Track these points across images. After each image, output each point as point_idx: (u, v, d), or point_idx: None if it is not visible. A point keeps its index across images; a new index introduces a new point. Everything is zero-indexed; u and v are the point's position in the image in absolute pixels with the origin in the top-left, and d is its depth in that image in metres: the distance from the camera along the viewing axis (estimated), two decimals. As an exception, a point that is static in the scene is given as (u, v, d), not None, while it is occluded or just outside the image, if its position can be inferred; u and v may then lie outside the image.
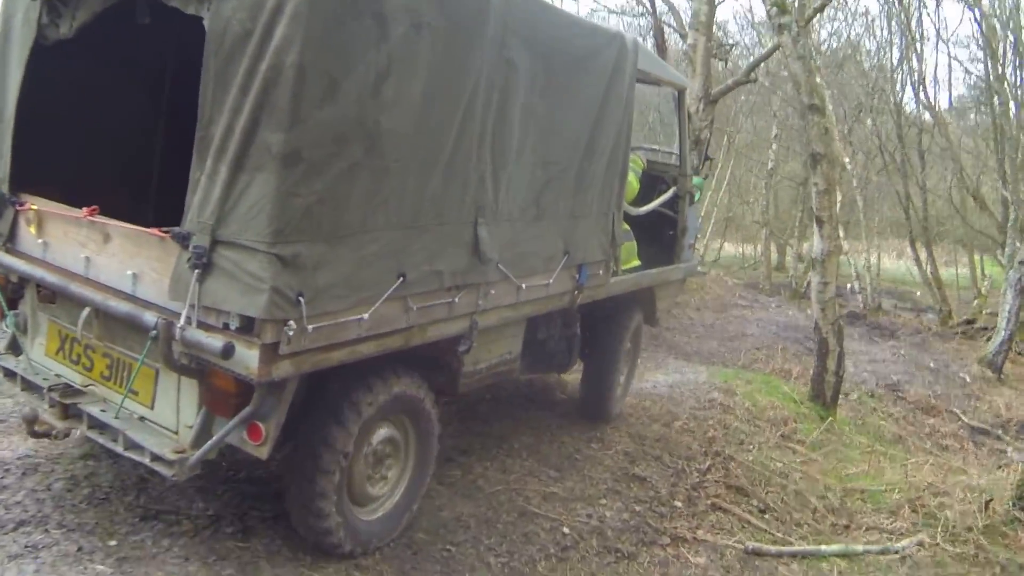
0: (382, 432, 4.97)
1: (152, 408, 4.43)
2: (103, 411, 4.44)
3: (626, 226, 7.10)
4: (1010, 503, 7.04)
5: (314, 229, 3.82)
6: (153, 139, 6.20)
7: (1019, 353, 18.67)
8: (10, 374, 4.96)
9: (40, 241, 4.74)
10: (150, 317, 3.94)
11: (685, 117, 8.25)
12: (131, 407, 4.43)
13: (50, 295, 4.81)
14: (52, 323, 4.95)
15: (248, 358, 3.77)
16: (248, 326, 3.78)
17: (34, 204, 4.73)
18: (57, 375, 4.83)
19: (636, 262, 7.54)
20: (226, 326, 3.82)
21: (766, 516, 7.05)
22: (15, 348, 5.16)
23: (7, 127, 4.77)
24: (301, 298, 3.78)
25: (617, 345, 7.85)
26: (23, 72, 4.69)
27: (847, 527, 7.07)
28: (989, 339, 18.23)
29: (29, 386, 4.81)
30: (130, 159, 5.99)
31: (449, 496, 6.03)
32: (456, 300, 4.91)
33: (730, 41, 24.72)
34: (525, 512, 6.08)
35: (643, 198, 7.77)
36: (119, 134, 5.73)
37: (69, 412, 4.52)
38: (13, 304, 5.18)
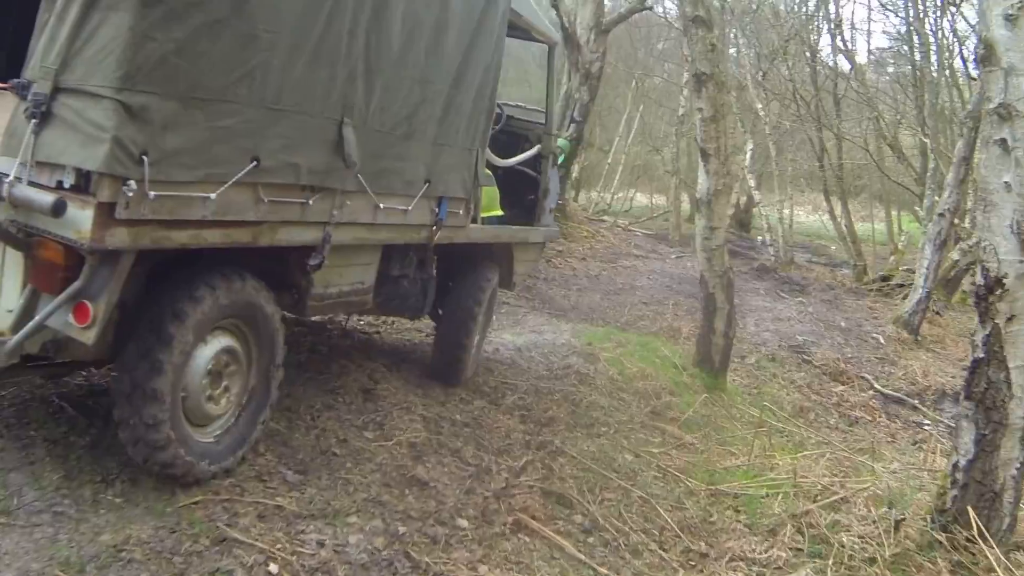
0: (220, 342, 4.50)
1: None
2: None
3: (488, 171, 6.79)
4: (928, 519, 5.10)
5: (167, 82, 3.59)
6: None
7: (937, 312, 17.07)
8: None
9: None
10: None
11: (554, 74, 8.03)
12: None
13: None
14: None
15: (80, 219, 3.48)
16: (84, 184, 3.51)
17: None
18: None
19: (498, 211, 7.21)
20: (60, 185, 3.54)
21: (591, 539, 4.98)
22: None
23: None
24: (145, 157, 3.53)
25: (473, 301, 7.19)
26: None
27: (705, 556, 5.00)
28: (905, 297, 16.57)
29: None
30: None
31: (119, 511, 4.08)
32: (310, 203, 4.59)
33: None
34: (224, 537, 4.06)
35: (506, 153, 7.37)
36: None
37: None
38: None
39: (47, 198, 3.42)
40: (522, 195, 7.79)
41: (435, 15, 5.40)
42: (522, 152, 7.56)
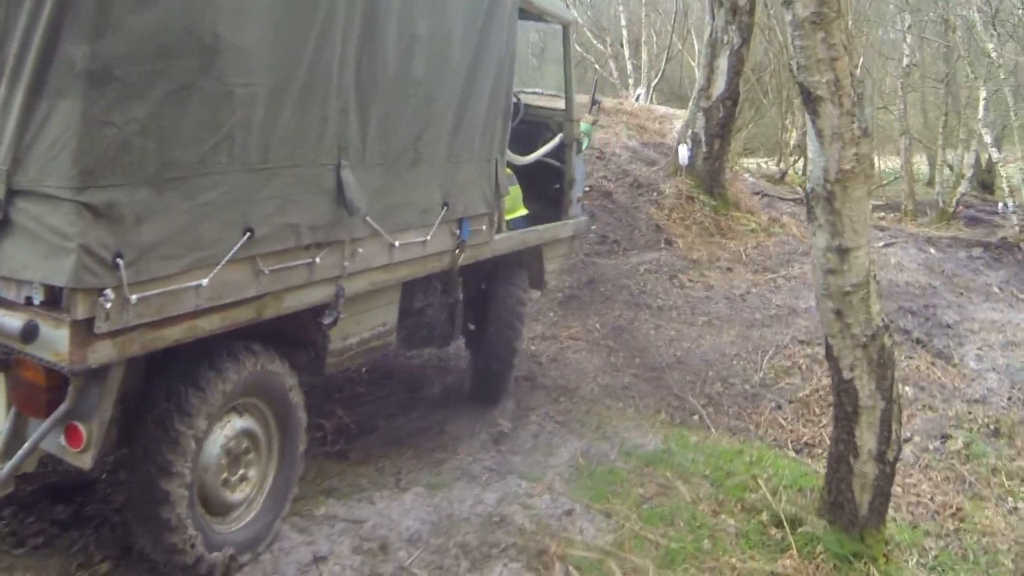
0: (236, 424, 4.10)
1: None
2: None
3: (509, 170, 6.34)
4: None
5: (135, 169, 3.17)
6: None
7: None
8: None
9: None
10: None
11: (571, 55, 7.59)
12: None
13: None
14: None
15: (56, 340, 3.10)
16: (55, 299, 3.13)
17: None
18: None
19: (522, 211, 6.90)
20: (29, 301, 3.17)
21: None
22: None
23: None
24: (120, 260, 3.13)
25: (513, 316, 6.71)
26: None
27: None
28: None
29: None
30: None
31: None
32: (317, 261, 4.15)
33: None
34: None
35: (525, 146, 6.92)
36: None
37: None
38: None
39: (15, 323, 3.08)
40: (546, 186, 7.43)
41: (436, 20, 4.82)
42: (543, 143, 7.21)
